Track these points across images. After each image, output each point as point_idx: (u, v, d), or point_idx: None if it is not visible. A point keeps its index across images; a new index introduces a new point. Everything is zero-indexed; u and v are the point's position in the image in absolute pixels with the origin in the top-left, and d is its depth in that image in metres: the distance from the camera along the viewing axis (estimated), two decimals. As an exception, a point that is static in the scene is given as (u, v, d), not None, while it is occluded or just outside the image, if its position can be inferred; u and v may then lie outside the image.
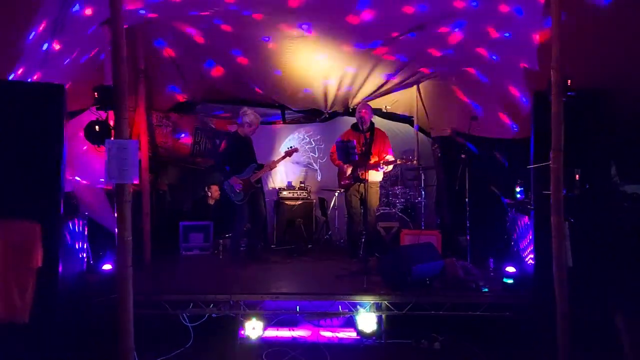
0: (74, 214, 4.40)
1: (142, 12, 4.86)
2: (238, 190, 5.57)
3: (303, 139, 7.71)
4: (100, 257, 4.94)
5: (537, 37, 4.12)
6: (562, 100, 3.22)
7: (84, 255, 4.62)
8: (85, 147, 5.01)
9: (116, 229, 3.11)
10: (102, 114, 3.61)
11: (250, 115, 5.72)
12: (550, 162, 3.29)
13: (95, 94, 3.55)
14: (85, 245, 4.62)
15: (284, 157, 5.93)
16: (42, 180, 3.52)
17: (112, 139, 3.26)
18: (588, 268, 3.63)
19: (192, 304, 4.25)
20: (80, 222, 4.53)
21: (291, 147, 6.06)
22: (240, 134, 5.77)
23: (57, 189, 3.55)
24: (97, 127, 3.59)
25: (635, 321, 3.33)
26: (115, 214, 3.14)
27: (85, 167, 5.46)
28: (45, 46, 4.05)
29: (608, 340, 3.45)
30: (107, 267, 4.74)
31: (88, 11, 4.11)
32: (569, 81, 3.23)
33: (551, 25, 3.30)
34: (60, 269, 3.55)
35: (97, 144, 3.76)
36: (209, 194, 6.96)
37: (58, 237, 3.56)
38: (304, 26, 5.12)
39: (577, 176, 3.67)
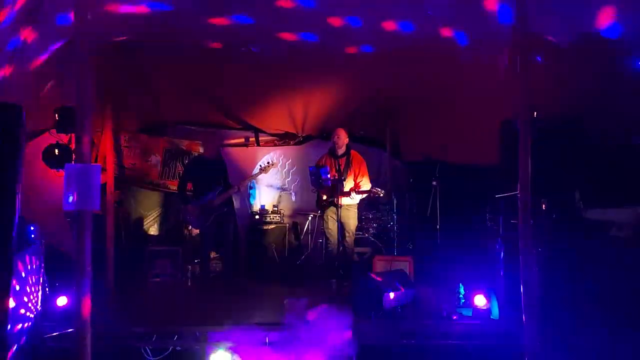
0: (29, 242, 4.13)
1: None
2: (194, 217, 5.39)
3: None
4: (58, 286, 4.64)
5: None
6: (529, 132, 3.26)
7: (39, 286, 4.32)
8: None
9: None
10: (63, 137, 3.46)
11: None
12: (517, 192, 3.30)
13: (56, 115, 3.41)
14: (41, 275, 4.32)
15: (259, 173, 5.81)
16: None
17: (73, 162, 3.11)
18: (558, 299, 3.63)
19: (155, 336, 4.04)
20: (36, 250, 4.26)
21: (268, 162, 5.90)
22: (204, 156, 5.65)
23: (10, 216, 3.31)
24: (56, 151, 3.42)
25: None
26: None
27: (46, 188, 5.24)
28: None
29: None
30: (62, 299, 4.33)
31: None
32: (535, 113, 3.27)
33: (519, 60, 3.37)
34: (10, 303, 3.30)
35: (56, 168, 3.57)
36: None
37: (9, 270, 3.31)
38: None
39: (543, 205, 3.69)
